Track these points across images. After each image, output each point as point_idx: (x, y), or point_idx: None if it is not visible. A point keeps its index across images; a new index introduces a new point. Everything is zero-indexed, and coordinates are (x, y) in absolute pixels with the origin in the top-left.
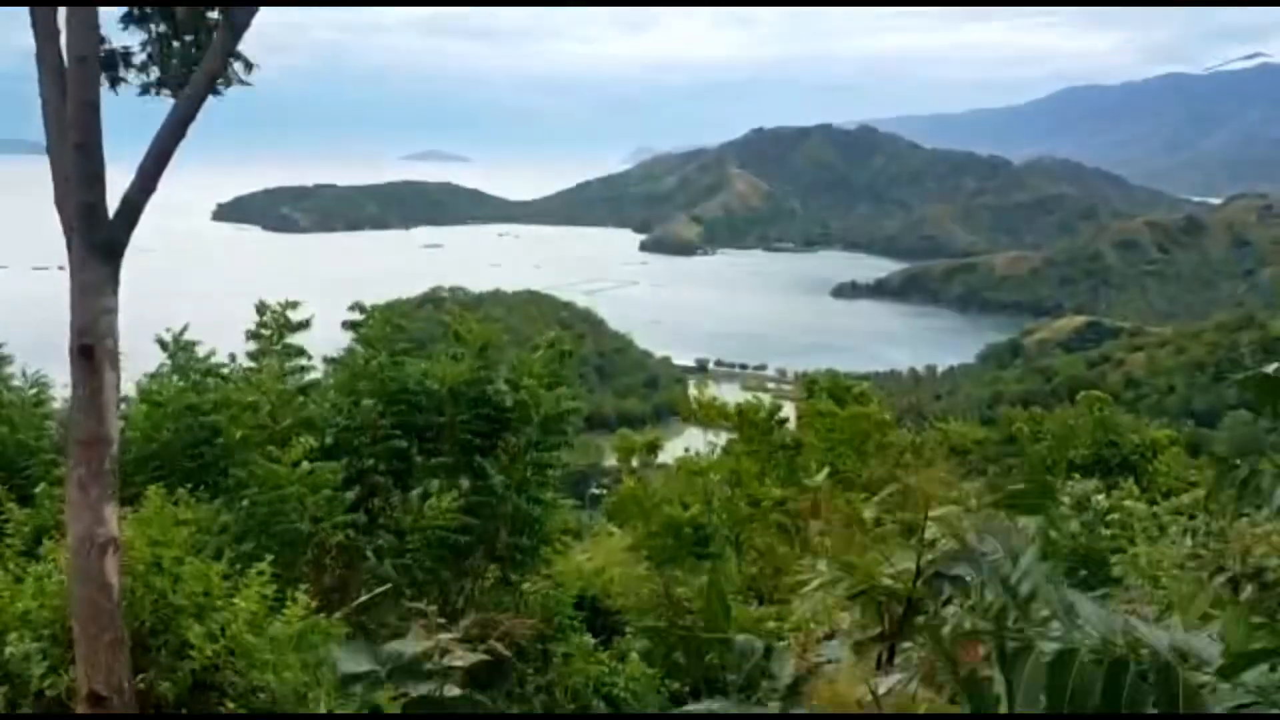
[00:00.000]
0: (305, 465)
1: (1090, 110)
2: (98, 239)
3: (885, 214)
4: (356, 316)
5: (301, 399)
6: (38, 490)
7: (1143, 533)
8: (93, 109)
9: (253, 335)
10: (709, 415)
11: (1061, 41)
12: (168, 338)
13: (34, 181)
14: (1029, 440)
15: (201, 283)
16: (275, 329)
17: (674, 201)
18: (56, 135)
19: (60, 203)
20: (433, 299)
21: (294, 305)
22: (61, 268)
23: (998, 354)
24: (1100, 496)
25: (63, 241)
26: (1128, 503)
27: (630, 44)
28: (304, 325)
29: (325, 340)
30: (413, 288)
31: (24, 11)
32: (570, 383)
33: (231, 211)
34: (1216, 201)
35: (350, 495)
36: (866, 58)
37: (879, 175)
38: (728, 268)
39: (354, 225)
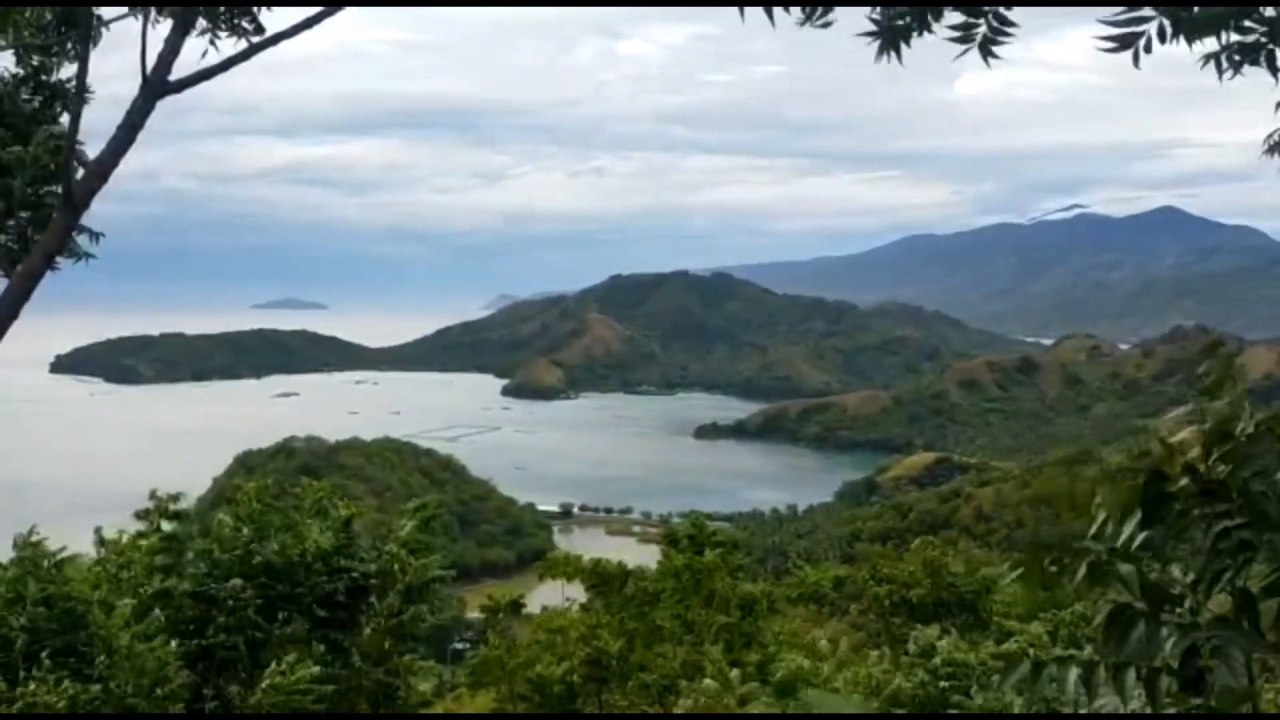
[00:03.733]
0: (127, 635)
1: (928, 257)
2: None
3: (741, 357)
4: (223, 488)
5: (161, 578)
6: None
7: (977, 680)
8: None
9: (140, 516)
10: (567, 572)
11: (899, 194)
12: (18, 539)
13: None
14: (871, 586)
15: (42, 440)
16: (157, 515)
17: (535, 347)
18: None
19: None
20: (287, 449)
21: (176, 498)
22: None
23: (854, 491)
24: (943, 643)
25: None
26: (957, 655)
27: (488, 194)
28: (182, 514)
29: (174, 489)
30: (265, 439)
31: None
32: (439, 549)
33: (71, 363)
34: (1048, 342)
35: (185, 677)
36: (719, 208)
37: (734, 320)
38: (590, 411)
39: (201, 375)
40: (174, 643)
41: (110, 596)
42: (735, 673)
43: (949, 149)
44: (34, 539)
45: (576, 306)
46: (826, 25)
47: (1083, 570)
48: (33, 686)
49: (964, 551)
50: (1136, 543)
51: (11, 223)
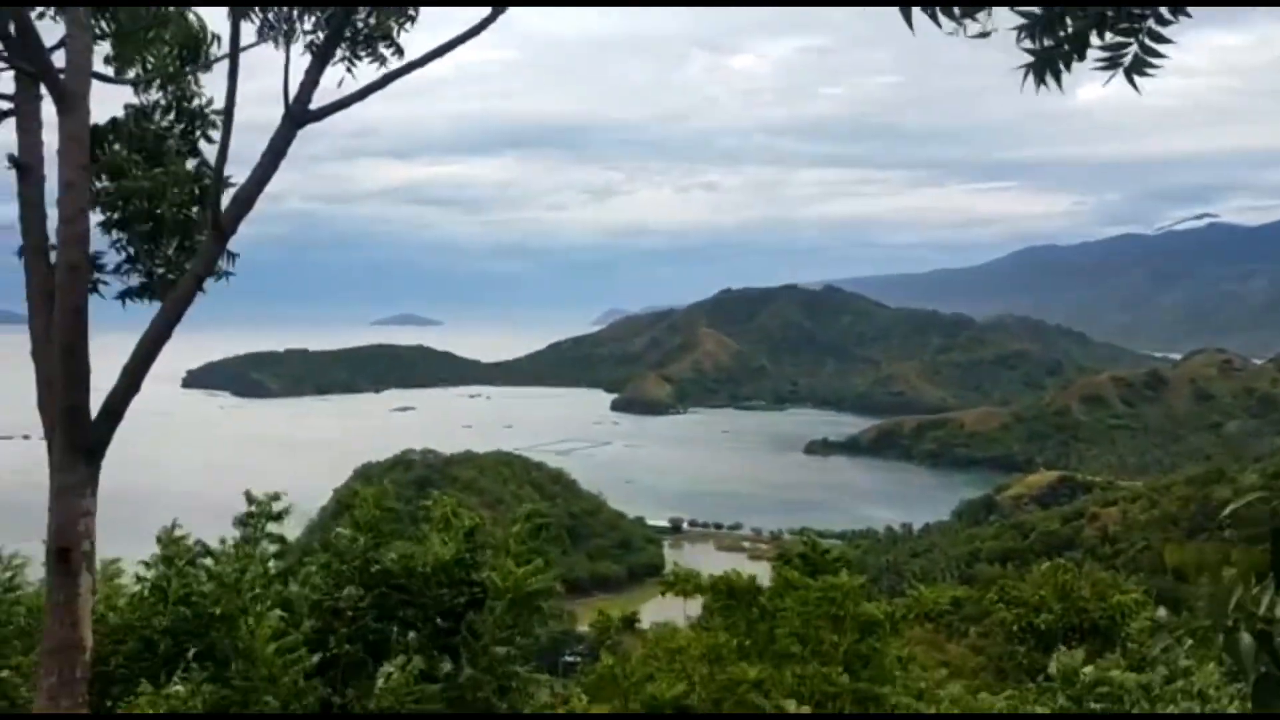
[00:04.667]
0: (271, 647)
1: (1048, 269)
2: (80, 441)
3: (853, 371)
4: (343, 496)
5: (280, 586)
6: None
7: (1134, 707)
8: (79, 314)
9: (240, 522)
10: (687, 588)
11: (1016, 205)
12: (162, 533)
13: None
14: (998, 609)
15: (173, 450)
16: (261, 518)
17: (644, 361)
18: (41, 334)
19: (42, 405)
20: (404, 462)
21: (277, 497)
22: (26, 436)
23: (972, 510)
24: (1088, 669)
25: (27, 410)
26: (1114, 674)
27: (598, 210)
28: (284, 514)
29: (297, 500)
30: (383, 450)
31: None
32: (548, 558)
33: (201, 378)
34: (1176, 356)
35: (316, 684)
36: (829, 221)
37: (846, 334)
38: (699, 426)
39: (323, 389)
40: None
41: (232, 604)
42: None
43: (1070, 157)
44: (176, 534)
45: (686, 321)
46: (985, 35)
47: (1220, 642)
48: (178, 688)
49: (1089, 574)
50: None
51: (160, 250)
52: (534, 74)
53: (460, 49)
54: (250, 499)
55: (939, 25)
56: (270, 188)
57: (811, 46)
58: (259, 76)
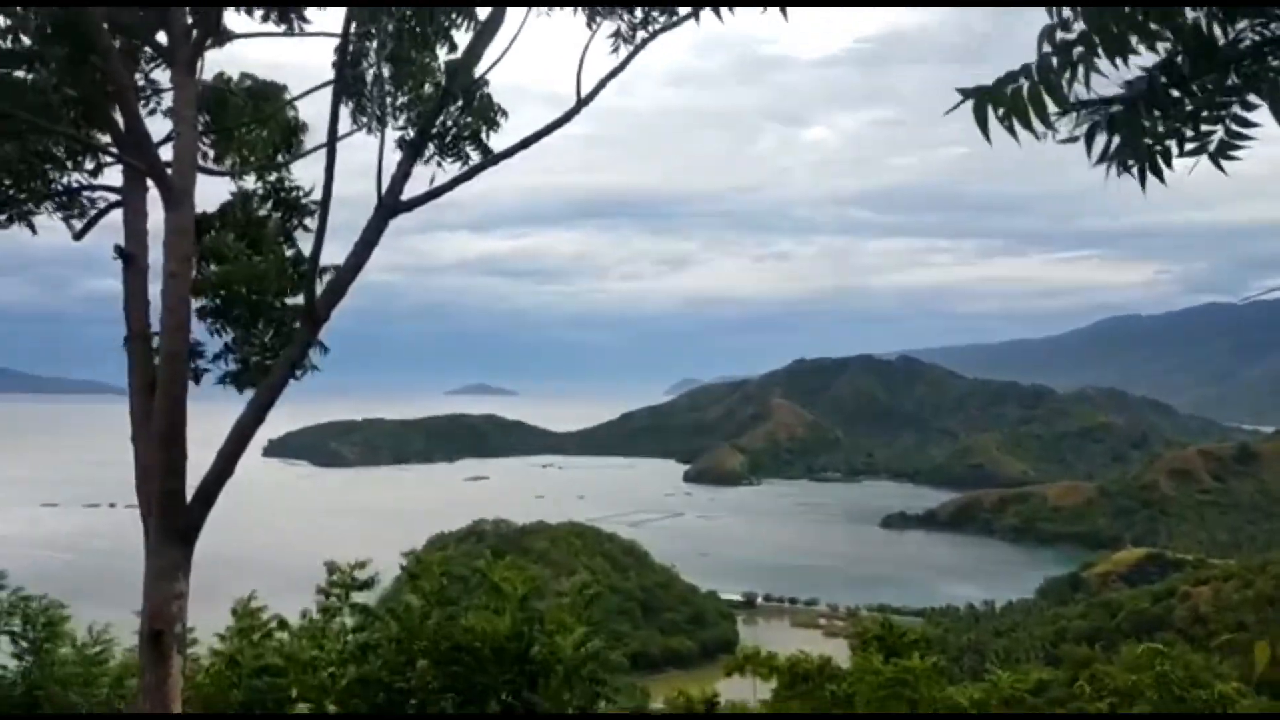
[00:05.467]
0: None
1: (1131, 340)
2: (176, 526)
3: (930, 442)
4: (409, 563)
5: (354, 666)
6: None
7: None
8: (179, 403)
9: (322, 592)
10: (758, 669)
11: (1095, 274)
12: (238, 605)
13: (91, 420)
14: (1089, 699)
15: (251, 520)
16: (343, 588)
17: (718, 432)
18: (140, 419)
19: (140, 488)
20: (476, 532)
21: (361, 565)
22: (113, 505)
23: (1058, 588)
24: None
25: (112, 480)
26: None
27: (672, 280)
28: (369, 584)
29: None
30: (456, 520)
31: (98, 258)
32: (602, 631)
33: (281, 448)
34: (1267, 429)
35: None
36: (902, 291)
37: (922, 404)
38: (773, 498)
39: (400, 458)
40: None
41: (306, 685)
42: None
43: (1151, 226)
44: (252, 605)
45: (759, 391)
46: (1072, 140)
47: None
48: None
49: (1183, 657)
50: None
51: (255, 337)
52: (609, 147)
53: (535, 125)
54: (332, 569)
55: (1017, 140)
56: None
57: (882, 119)
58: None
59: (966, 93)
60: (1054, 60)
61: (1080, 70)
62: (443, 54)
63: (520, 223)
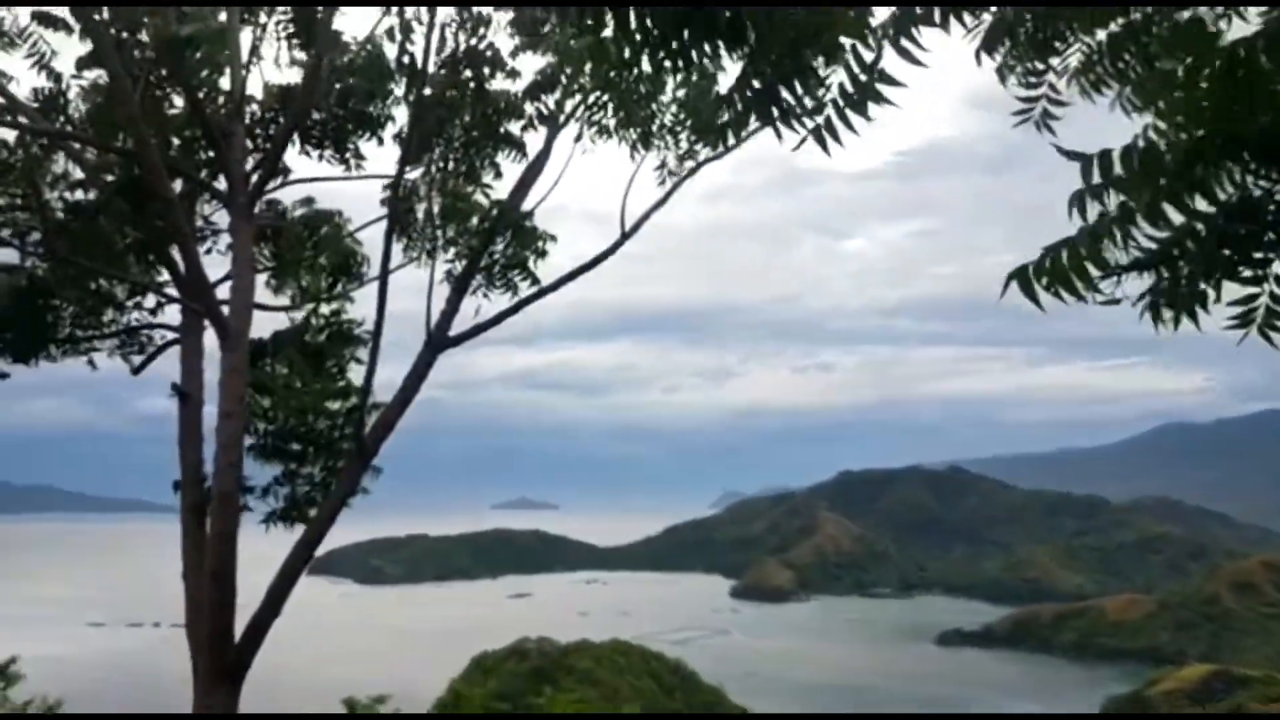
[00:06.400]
0: None
1: (1186, 448)
2: (226, 665)
3: (983, 556)
4: (449, 699)
5: None
6: None
7: None
8: (230, 541)
9: None
10: None
11: (1144, 382)
12: None
13: (137, 538)
14: None
15: (291, 639)
16: None
17: (764, 546)
18: (191, 555)
19: (190, 626)
20: (519, 651)
21: (382, 700)
22: (157, 624)
23: (1121, 707)
24: None
25: (155, 599)
26: None
27: (714, 392)
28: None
29: (409, 699)
30: (500, 639)
31: (149, 379)
32: None
33: (325, 565)
34: None
35: None
36: (949, 400)
37: (972, 516)
38: (823, 614)
39: (442, 575)
40: None
41: None
42: None
43: (1196, 333)
44: None
45: (805, 504)
46: (1114, 302)
47: None
48: None
49: None
50: None
51: (307, 469)
52: (648, 262)
53: (577, 241)
54: (351, 705)
55: (1064, 301)
56: (393, 382)
57: (922, 229)
58: (401, 273)
59: (1012, 275)
60: (1092, 231)
61: (1118, 236)
62: (488, 178)
63: (561, 337)
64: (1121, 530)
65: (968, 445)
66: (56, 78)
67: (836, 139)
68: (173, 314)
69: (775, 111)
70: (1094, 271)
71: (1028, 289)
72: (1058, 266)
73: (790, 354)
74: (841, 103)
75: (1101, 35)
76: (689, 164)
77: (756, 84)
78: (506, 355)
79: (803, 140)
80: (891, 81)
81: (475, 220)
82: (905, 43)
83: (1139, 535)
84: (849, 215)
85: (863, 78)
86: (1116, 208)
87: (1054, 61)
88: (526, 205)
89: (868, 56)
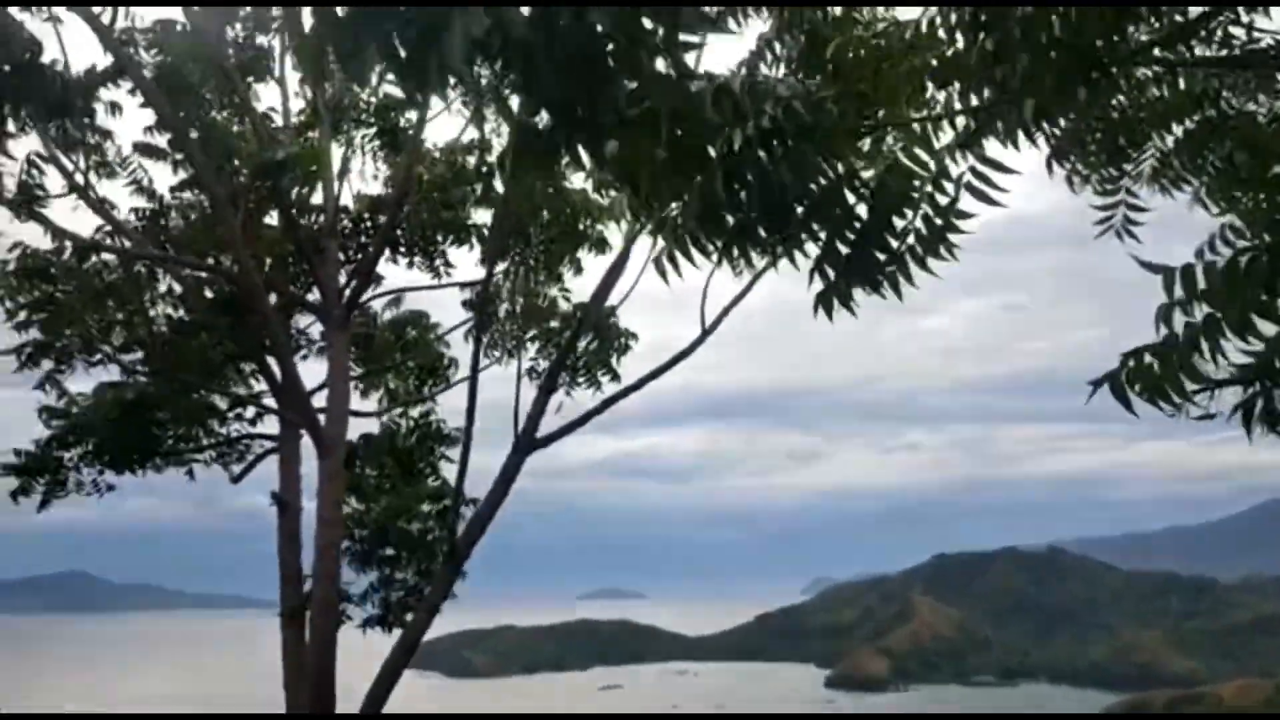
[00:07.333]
0: None
1: None
2: None
3: (1089, 640)
4: None
5: None
6: None
7: None
8: (330, 645)
9: None
10: None
11: (1250, 455)
12: None
13: (235, 635)
14: None
15: None
16: None
17: (858, 633)
18: (292, 658)
19: None
20: None
21: None
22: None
23: None
24: None
25: (253, 696)
26: None
27: (800, 475)
28: None
29: None
30: None
31: (248, 477)
32: None
33: (414, 660)
34: None
35: None
36: (1044, 479)
37: (1075, 599)
38: (924, 705)
39: (530, 668)
40: None
41: None
42: None
43: None
44: None
45: (899, 588)
46: (1209, 417)
47: None
48: None
49: None
50: None
51: (401, 574)
52: (728, 346)
53: (655, 321)
54: None
55: (1160, 409)
56: (484, 474)
57: (1007, 304)
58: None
59: (1102, 380)
60: (1181, 344)
61: (1207, 348)
62: (569, 276)
63: (646, 423)
64: (1233, 611)
65: (1067, 525)
66: (158, 199)
67: (910, 281)
68: (271, 422)
69: (871, 274)
70: (1189, 385)
71: (1120, 394)
72: (1150, 375)
73: (876, 434)
74: (921, 250)
75: (1178, 131)
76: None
77: (843, 248)
78: (589, 442)
79: (881, 287)
80: (966, 215)
81: (557, 322)
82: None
83: (1252, 616)
84: (929, 291)
85: (938, 221)
86: (1204, 318)
87: (1127, 167)
88: (609, 300)
89: (942, 200)
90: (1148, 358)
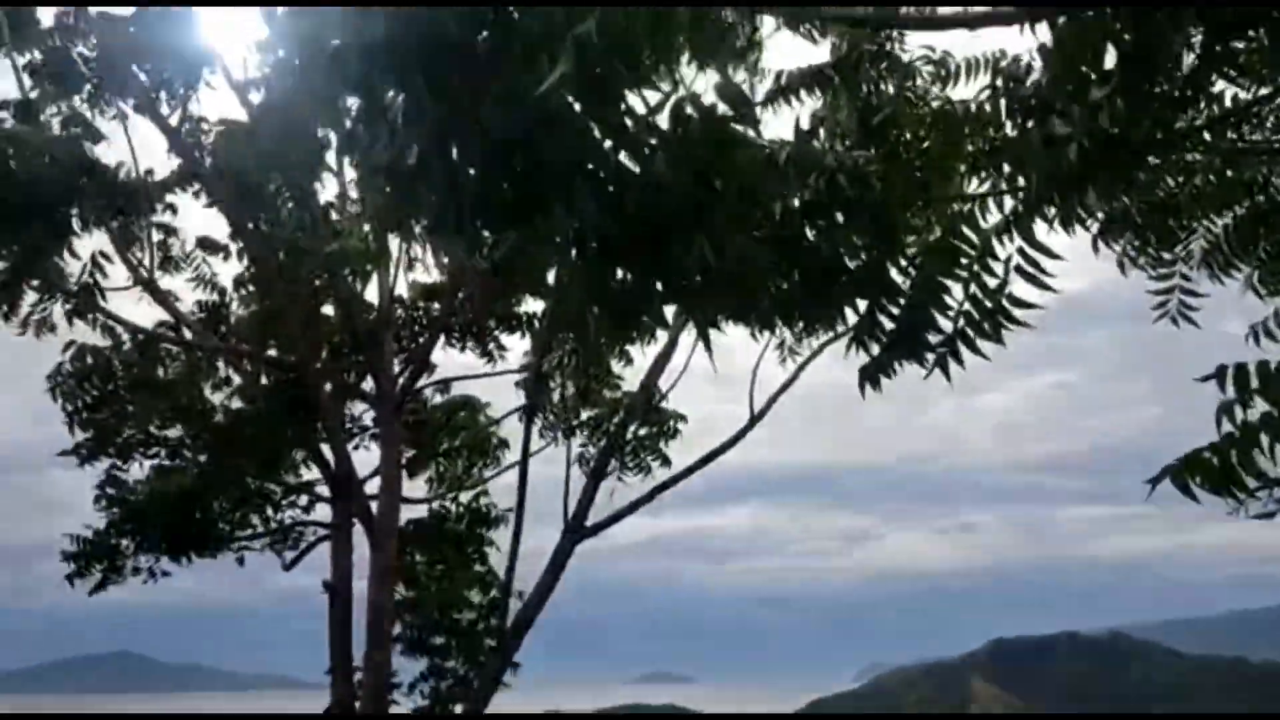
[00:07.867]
0: None
1: None
2: None
3: None
4: None
5: None
6: None
7: None
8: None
9: None
10: None
11: None
12: None
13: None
14: None
15: None
16: None
17: None
18: None
19: None
20: None
21: None
22: None
23: None
24: None
25: None
26: None
27: (851, 556)
28: None
29: None
30: None
31: (305, 561)
32: None
33: None
34: None
35: None
36: (1105, 561)
37: (1140, 686)
38: None
39: None
40: None
41: None
42: None
43: None
44: None
45: (957, 675)
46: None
47: None
48: None
49: None
50: None
51: (450, 664)
52: (777, 425)
53: (700, 402)
54: None
55: (1195, 500)
56: (535, 555)
57: (1062, 382)
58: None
59: (1163, 474)
60: (1240, 441)
61: (1266, 444)
62: (618, 366)
63: (692, 503)
64: None
65: (1130, 608)
66: (220, 291)
67: (960, 363)
68: (323, 509)
69: (916, 349)
70: (1250, 481)
71: (1181, 486)
72: (1211, 471)
73: (930, 514)
74: (971, 332)
75: (1228, 217)
76: (811, 341)
77: (886, 321)
78: (634, 524)
79: (931, 370)
80: (1023, 304)
81: (606, 409)
82: (1027, 264)
83: None
84: (983, 369)
85: (988, 304)
86: (1261, 416)
87: (1177, 250)
88: (658, 380)
89: (991, 281)
90: (1206, 454)
